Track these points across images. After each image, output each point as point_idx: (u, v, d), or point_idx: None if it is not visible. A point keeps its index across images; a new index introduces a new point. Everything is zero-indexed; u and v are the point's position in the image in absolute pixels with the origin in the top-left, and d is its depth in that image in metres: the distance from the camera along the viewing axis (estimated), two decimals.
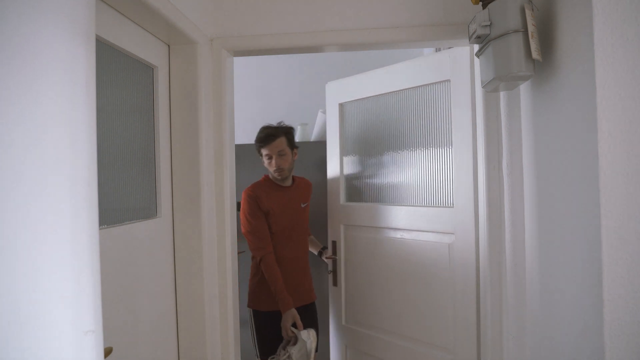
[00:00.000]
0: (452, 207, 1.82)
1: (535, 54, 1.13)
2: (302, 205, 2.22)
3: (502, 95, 1.55)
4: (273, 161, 2.08)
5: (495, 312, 1.59)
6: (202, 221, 1.56)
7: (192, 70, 1.55)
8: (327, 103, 2.39)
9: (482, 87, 1.33)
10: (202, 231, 1.56)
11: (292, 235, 2.16)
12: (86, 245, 0.90)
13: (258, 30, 1.67)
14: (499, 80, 1.23)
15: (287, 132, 2.13)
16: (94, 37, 0.95)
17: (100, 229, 0.98)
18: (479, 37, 1.25)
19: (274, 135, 2.07)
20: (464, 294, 1.78)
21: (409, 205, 1.99)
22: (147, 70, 1.45)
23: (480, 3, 1.29)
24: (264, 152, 2.09)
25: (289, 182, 2.19)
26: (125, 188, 1.32)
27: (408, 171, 2.02)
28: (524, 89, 1.41)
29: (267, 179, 2.18)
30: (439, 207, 1.88)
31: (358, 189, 2.29)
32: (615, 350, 0.93)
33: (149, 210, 1.46)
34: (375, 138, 2.17)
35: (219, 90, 1.66)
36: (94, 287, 0.92)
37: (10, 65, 0.72)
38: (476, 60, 1.68)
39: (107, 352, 1.02)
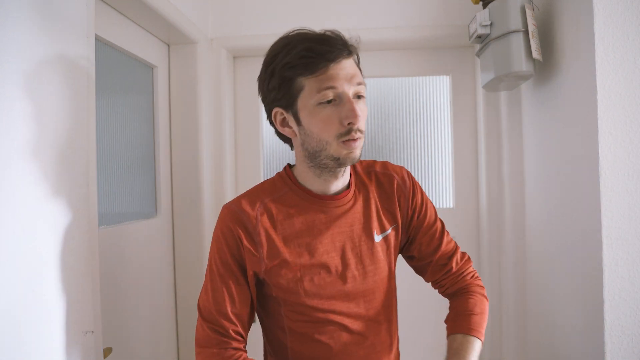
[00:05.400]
0: (452, 208, 1.79)
1: (535, 54, 1.13)
2: (377, 239, 0.87)
3: (503, 95, 1.55)
4: (348, 106, 0.75)
5: (495, 315, 1.59)
6: (202, 221, 1.56)
7: (192, 70, 1.55)
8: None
9: (483, 87, 1.33)
10: (202, 231, 1.56)
11: (333, 317, 0.83)
12: (85, 245, 0.90)
13: (258, 30, 1.67)
14: (499, 80, 1.23)
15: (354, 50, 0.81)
16: (93, 37, 0.95)
17: (99, 228, 0.98)
18: (479, 36, 1.25)
19: (344, 45, 0.76)
20: None
21: None
22: (147, 70, 1.45)
23: (481, 3, 1.29)
24: (326, 81, 0.74)
25: (344, 181, 0.86)
26: (125, 187, 1.32)
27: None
28: (524, 88, 1.41)
29: (286, 178, 0.86)
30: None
31: None
32: (615, 350, 0.93)
33: (148, 210, 1.46)
34: None
35: (219, 90, 1.66)
36: (94, 287, 0.92)
37: (10, 65, 0.72)
38: (476, 59, 1.68)
39: (107, 352, 1.02)
